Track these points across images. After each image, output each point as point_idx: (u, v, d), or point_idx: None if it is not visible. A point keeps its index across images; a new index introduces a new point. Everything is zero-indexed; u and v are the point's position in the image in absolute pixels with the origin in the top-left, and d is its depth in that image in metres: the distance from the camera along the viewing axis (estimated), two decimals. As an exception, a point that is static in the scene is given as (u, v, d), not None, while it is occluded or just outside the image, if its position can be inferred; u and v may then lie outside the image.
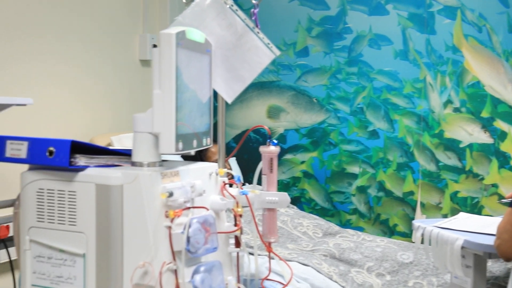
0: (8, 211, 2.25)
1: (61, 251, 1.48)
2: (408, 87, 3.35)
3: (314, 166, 3.64)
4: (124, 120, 3.36)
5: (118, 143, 2.74)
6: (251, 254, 1.78)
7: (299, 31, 3.63)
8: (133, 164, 1.51)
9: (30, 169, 1.54)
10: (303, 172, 3.66)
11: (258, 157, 1.83)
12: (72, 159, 1.47)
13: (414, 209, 3.34)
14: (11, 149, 1.52)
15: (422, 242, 2.04)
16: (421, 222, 1.97)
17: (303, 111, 3.65)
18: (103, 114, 3.25)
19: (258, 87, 3.70)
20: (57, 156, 1.45)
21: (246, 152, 3.67)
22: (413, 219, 3.31)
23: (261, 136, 3.74)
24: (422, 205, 3.31)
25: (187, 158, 2.26)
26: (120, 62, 3.39)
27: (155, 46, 3.56)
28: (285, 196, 1.78)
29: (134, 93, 3.50)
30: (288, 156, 3.66)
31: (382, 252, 2.45)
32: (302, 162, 3.66)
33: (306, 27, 3.61)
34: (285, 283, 1.80)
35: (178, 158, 2.40)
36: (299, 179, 3.66)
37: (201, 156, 2.79)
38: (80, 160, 1.49)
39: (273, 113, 3.73)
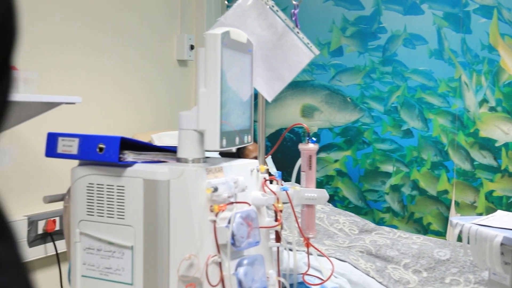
0: (55, 206, 2.33)
1: (110, 243, 1.54)
2: (443, 86, 3.35)
3: (347, 165, 3.66)
4: (163, 119, 3.44)
5: (158, 141, 2.80)
6: (289, 249, 1.82)
7: (334, 31, 3.66)
8: (178, 160, 1.56)
9: (80, 164, 1.60)
10: (337, 170, 3.69)
11: (292, 155, 1.87)
12: (121, 155, 1.52)
13: (448, 208, 3.35)
14: (62, 146, 1.58)
15: (459, 240, 2.05)
16: (459, 219, 1.98)
17: (337, 110, 3.67)
18: (143, 112, 3.33)
19: (292, 86, 3.74)
20: (107, 152, 1.51)
21: (280, 150, 3.72)
22: (447, 217, 3.32)
23: (295, 135, 3.78)
24: (457, 204, 3.32)
25: (223, 155, 2.31)
26: (159, 62, 3.46)
27: (192, 47, 3.62)
28: (323, 193, 1.81)
29: (172, 92, 3.57)
30: (321, 155, 3.69)
31: (418, 249, 2.47)
32: (336, 161, 3.68)
33: (340, 27, 3.63)
34: (323, 278, 1.84)
35: (215, 155, 2.45)
36: (333, 177, 3.69)
37: (238, 153, 2.84)
38: (129, 156, 1.54)
39: (307, 112, 3.76)
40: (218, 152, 2.33)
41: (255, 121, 1.94)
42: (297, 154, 1.85)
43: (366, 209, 3.59)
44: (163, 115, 3.45)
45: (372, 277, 2.22)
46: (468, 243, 1.93)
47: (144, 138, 2.88)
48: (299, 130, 3.78)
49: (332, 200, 3.66)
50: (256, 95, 1.96)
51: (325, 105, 3.71)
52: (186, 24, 3.64)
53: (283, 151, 3.73)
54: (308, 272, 1.84)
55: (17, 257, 0.38)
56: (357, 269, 2.22)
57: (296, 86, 3.76)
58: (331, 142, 3.69)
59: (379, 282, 2.21)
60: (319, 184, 3.69)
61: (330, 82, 3.69)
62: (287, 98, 3.78)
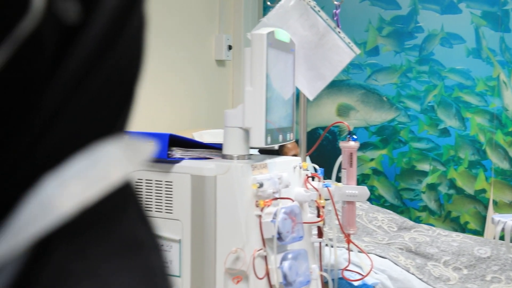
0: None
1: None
2: (480, 85, 3.34)
3: (383, 164, 3.67)
4: (201, 117, 3.50)
5: (199, 139, 2.86)
6: (328, 245, 1.85)
7: (370, 30, 3.67)
8: (224, 157, 1.61)
9: (129, 160, 1.66)
10: (373, 169, 3.70)
11: (327, 154, 1.91)
12: (169, 152, 1.58)
13: (485, 207, 3.34)
14: (113, 142, 1.64)
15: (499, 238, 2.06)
16: (500, 217, 2.00)
17: (373, 109, 3.69)
18: (183, 111, 3.39)
19: (328, 86, 3.72)
20: (156, 149, 1.56)
21: (315, 149, 3.74)
22: (484, 216, 3.31)
23: (330, 134, 3.80)
24: (495, 203, 3.31)
25: (262, 152, 2.35)
26: (198, 62, 3.52)
27: (230, 47, 3.67)
28: (364, 190, 1.85)
29: (210, 92, 3.62)
30: (357, 153, 3.70)
31: (458, 246, 2.49)
32: (372, 160, 3.70)
33: (376, 27, 3.65)
34: (362, 273, 1.87)
35: (254, 152, 2.49)
36: (368, 176, 3.70)
37: (277, 151, 2.88)
38: (177, 152, 1.60)
39: (343, 111, 3.78)
40: (257, 150, 2.37)
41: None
42: (332, 153, 1.89)
43: (402, 207, 3.59)
44: (202, 114, 3.51)
45: (412, 274, 2.24)
46: (511, 241, 1.94)
47: (185, 136, 2.94)
48: (334, 129, 3.80)
49: (368, 198, 3.67)
50: (297, 94, 1.99)
51: (361, 104, 3.73)
52: (224, 25, 3.69)
53: (318, 149, 3.74)
54: (348, 268, 1.87)
55: (156, 239, 0.42)
56: (397, 265, 2.24)
57: (332, 86, 3.78)
58: (367, 141, 3.71)
59: (419, 279, 2.23)
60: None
61: (366, 82, 3.71)
62: (323, 98, 3.80)
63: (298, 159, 1.79)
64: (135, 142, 0.41)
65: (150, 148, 0.42)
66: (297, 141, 2.34)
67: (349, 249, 1.86)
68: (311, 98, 1.89)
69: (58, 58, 0.37)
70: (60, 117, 0.37)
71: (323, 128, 3.75)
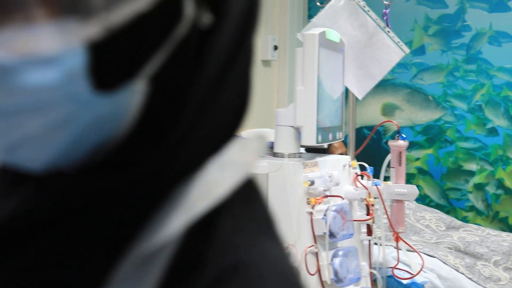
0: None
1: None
2: (530, 84, 3.30)
3: (429, 163, 3.65)
4: (250, 117, 3.53)
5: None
6: (376, 244, 1.87)
7: (416, 29, 3.66)
8: (275, 155, 1.64)
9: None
10: (418, 168, 3.68)
11: (371, 153, 1.92)
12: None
13: (535, 208, 3.29)
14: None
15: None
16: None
17: (419, 109, 3.67)
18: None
19: (374, 85, 3.76)
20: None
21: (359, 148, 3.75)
22: (534, 217, 3.27)
23: (375, 133, 3.80)
24: (544, 203, 3.26)
25: (309, 150, 2.37)
26: (244, 62, 3.55)
27: (276, 47, 3.70)
28: (413, 189, 1.86)
29: (256, 91, 3.64)
30: (403, 153, 3.70)
31: (509, 246, 2.47)
32: (417, 159, 3.68)
33: (423, 26, 3.63)
34: (411, 272, 1.88)
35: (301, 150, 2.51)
36: (414, 175, 3.69)
37: (324, 150, 2.90)
38: (229, 150, 1.63)
39: (388, 110, 3.77)
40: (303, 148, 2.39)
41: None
42: (377, 151, 1.91)
43: (448, 207, 3.57)
44: (250, 113, 3.54)
45: (462, 273, 2.23)
46: None
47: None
48: (379, 128, 3.79)
49: (416, 197, 3.65)
50: (346, 93, 2.01)
51: (406, 104, 3.71)
52: (270, 25, 3.72)
53: (363, 148, 3.75)
54: (397, 266, 1.88)
55: (286, 255, 0.47)
56: (446, 264, 2.24)
57: (377, 85, 3.74)
58: (412, 140, 3.69)
59: (469, 278, 2.22)
60: (401, 183, 3.70)
61: (411, 81, 3.69)
62: (368, 97, 3.77)
63: (347, 158, 1.81)
64: (251, 139, 0.48)
65: (263, 145, 0.49)
66: (343, 140, 2.36)
67: (397, 248, 1.87)
68: (360, 97, 1.91)
69: (196, 59, 0.43)
70: (206, 113, 0.43)
71: (368, 127, 3.74)
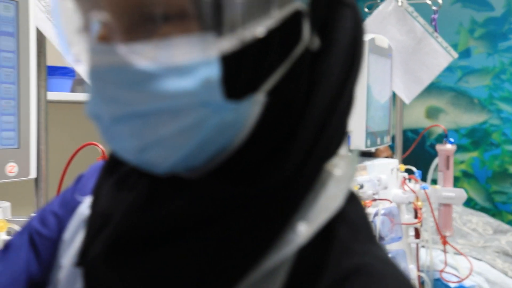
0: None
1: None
2: None
3: (474, 166, 3.63)
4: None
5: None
6: (424, 247, 1.88)
7: (461, 32, 3.64)
8: (324, 159, 1.67)
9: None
10: (463, 171, 3.66)
11: (415, 157, 1.92)
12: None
13: None
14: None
15: None
16: None
17: (463, 112, 3.65)
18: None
19: (418, 88, 3.75)
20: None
21: (404, 151, 3.74)
22: None
23: (417, 136, 3.79)
24: None
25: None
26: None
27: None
28: (461, 193, 1.86)
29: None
30: (448, 156, 3.68)
31: (559, 250, 2.45)
32: (462, 162, 3.66)
33: (468, 29, 3.61)
34: (459, 275, 1.89)
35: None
36: (459, 178, 3.67)
37: (371, 153, 2.91)
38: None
39: (432, 113, 3.76)
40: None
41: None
42: (420, 155, 1.92)
43: (494, 210, 3.54)
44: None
45: (511, 278, 2.23)
46: None
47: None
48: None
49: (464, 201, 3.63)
50: (393, 97, 2.03)
51: (451, 107, 3.69)
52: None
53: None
54: (445, 270, 1.89)
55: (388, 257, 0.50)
56: (494, 268, 2.24)
57: (421, 88, 3.77)
58: (456, 143, 3.67)
59: (518, 282, 2.22)
60: (445, 186, 3.68)
61: (456, 84, 3.67)
62: (412, 100, 3.79)
63: (395, 161, 1.84)
64: (352, 153, 0.52)
65: (358, 158, 0.53)
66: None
67: (445, 251, 1.88)
68: (407, 101, 1.93)
69: (309, 78, 0.47)
70: (323, 131, 0.47)
71: (412, 131, 3.74)
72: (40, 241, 0.61)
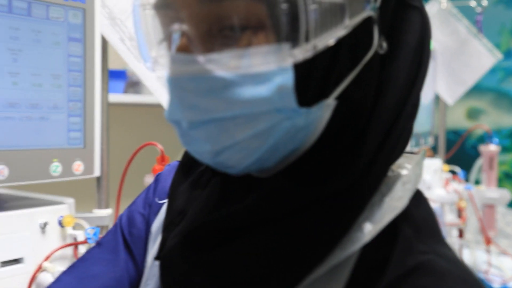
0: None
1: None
2: None
3: (516, 168, 3.59)
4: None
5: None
6: (469, 247, 1.89)
7: (503, 33, 3.61)
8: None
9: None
10: (504, 173, 3.63)
11: (457, 156, 1.93)
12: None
13: None
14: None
15: None
16: None
17: (505, 112, 3.62)
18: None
19: (459, 88, 3.73)
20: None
21: (445, 151, 3.72)
22: None
23: (459, 137, 3.77)
24: None
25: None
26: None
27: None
28: (506, 194, 1.87)
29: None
30: (489, 157, 3.65)
31: None
32: (503, 163, 3.63)
33: (511, 29, 3.58)
34: (503, 276, 1.89)
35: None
36: (500, 179, 3.63)
37: (413, 154, 2.91)
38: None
39: (473, 114, 3.74)
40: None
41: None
42: (461, 155, 1.93)
43: (536, 213, 3.50)
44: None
45: (555, 278, 2.21)
46: None
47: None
48: (463, 132, 3.76)
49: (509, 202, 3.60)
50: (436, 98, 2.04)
51: (492, 108, 3.66)
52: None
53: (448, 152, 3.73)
54: (488, 270, 1.90)
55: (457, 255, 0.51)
56: (539, 269, 2.22)
57: (462, 89, 3.75)
58: (498, 144, 3.64)
59: (562, 284, 2.20)
60: (486, 187, 3.65)
61: (498, 85, 3.64)
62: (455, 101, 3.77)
63: (438, 162, 1.85)
64: (417, 153, 0.54)
65: (423, 158, 0.54)
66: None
67: (489, 251, 1.89)
68: (451, 102, 1.94)
69: (377, 82, 0.49)
70: (391, 135, 0.49)
71: (453, 131, 3.72)
72: (132, 241, 0.63)
